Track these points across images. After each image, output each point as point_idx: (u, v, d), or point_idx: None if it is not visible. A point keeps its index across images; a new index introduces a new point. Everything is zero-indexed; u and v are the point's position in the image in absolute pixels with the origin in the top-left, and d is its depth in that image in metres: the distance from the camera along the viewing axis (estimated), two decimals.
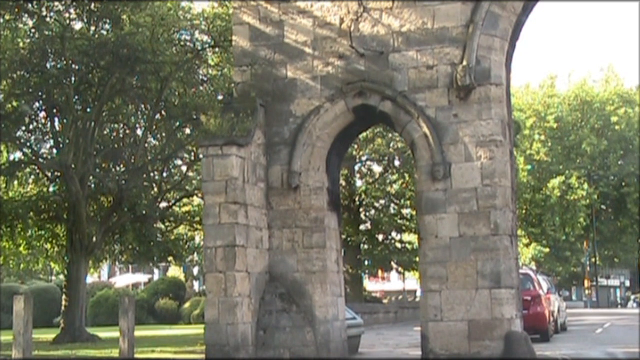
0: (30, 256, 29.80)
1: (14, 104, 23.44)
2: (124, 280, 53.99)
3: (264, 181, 13.76)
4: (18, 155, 26.19)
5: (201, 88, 25.05)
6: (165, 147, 25.28)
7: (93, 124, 23.61)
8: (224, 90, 22.82)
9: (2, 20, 22.05)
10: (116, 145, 25.84)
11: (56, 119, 24.66)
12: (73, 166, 23.13)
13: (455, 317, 12.66)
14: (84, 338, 23.43)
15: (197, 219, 27.64)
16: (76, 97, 23.77)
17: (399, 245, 38.08)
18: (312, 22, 13.96)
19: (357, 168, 35.95)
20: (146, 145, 25.66)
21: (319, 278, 13.53)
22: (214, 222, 12.85)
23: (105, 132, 26.25)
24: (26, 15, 22.58)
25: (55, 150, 25.30)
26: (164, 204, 27.35)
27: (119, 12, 22.27)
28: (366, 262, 39.50)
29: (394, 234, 38.55)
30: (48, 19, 22.52)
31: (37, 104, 24.58)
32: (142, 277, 56.79)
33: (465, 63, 12.91)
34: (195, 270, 51.03)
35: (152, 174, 26.20)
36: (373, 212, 37.40)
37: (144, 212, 24.49)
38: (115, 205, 24.95)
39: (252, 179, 13.38)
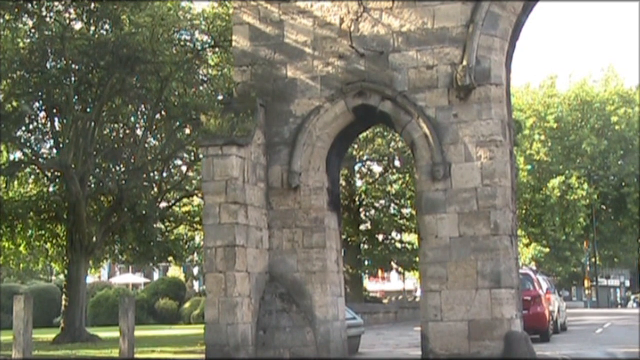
0: (30, 256, 29.81)
1: (14, 104, 23.45)
2: (123, 280, 53.98)
3: (264, 181, 13.76)
4: (18, 155, 26.20)
5: (201, 88, 25.06)
6: (165, 147, 25.29)
7: (93, 124, 23.62)
8: (224, 90, 22.83)
9: (2, 20, 22.06)
10: (116, 145, 25.84)
11: (56, 119, 24.67)
12: (73, 166, 23.14)
13: (455, 317, 12.66)
14: (84, 338, 23.43)
15: (197, 219, 27.65)
16: (76, 97, 23.78)
17: (399, 245, 38.14)
18: (312, 22, 13.96)
19: (357, 168, 35.97)
20: (146, 145, 25.66)
21: (319, 278, 13.52)
22: (214, 222, 12.84)
23: (105, 132, 26.26)
24: (26, 15, 22.58)
25: (55, 150, 25.30)
26: (164, 204, 27.35)
27: (118, 12, 22.27)
28: (366, 262, 39.53)
29: (394, 234, 38.60)
30: (48, 19, 22.54)
31: (37, 104, 24.59)
32: (141, 279, 56.80)
33: (465, 63, 12.91)
34: (195, 270, 51.07)
35: (152, 174, 26.20)
36: (373, 212, 37.44)
37: (144, 212, 24.48)
38: (115, 205, 24.94)
39: (252, 179, 13.37)
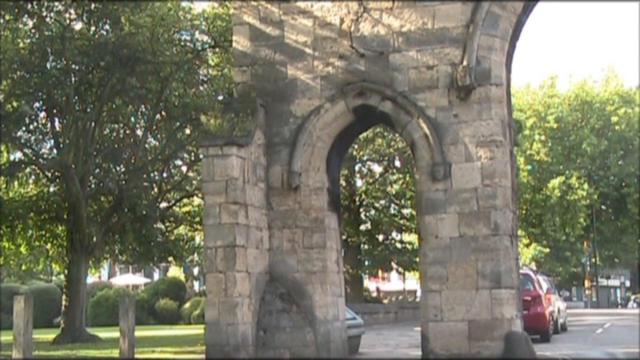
0: (30, 256, 29.80)
1: (14, 104, 23.45)
2: (123, 280, 53.98)
3: (264, 181, 13.76)
4: (18, 155, 26.20)
5: (201, 88, 25.06)
6: (165, 147, 25.28)
7: (93, 124, 23.62)
8: (224, 90, 22.83)
9: (2, 20, 22.06)
10: (116, 145, 25.84)
11: (56, 119, 24.67)
12: (73, 166, 23.13)
13: (455, 317, 12.66)
14: (84, 338, 23.43)
15: (197, 219, 27.65)
16: (76, 97, 23.78)
17: (399, 245, 38.12)
18: (312, 22, 13.96)
19: (357, 168, 35.96)
20: (146, 145, 25.65)
21: (319, 278, 13.52)
22: (214, 222, 12.85)
23: (105, 132, 26.26)
24: (26, 15, 22.58)
25: (55, 150, 25.31)
26: (164, 204, 27.35)
27: (118, 12, 22.27)
28: (366, 262, 39.52)
29: (394, 234, 38.59)
30: (48, 19, 22.55)
31: (37, 104, 24.59)
32: (141, 279, 56.78)
33: (465, 63, 12.91)
34: (195, 270, 51.03)
35: (152, 174, 26.20)
36: (373, 212, 37.43)
37: (144, 212, 24.49)
38: (115, 205, 24.95)
39: (252, 179, 13.37)
